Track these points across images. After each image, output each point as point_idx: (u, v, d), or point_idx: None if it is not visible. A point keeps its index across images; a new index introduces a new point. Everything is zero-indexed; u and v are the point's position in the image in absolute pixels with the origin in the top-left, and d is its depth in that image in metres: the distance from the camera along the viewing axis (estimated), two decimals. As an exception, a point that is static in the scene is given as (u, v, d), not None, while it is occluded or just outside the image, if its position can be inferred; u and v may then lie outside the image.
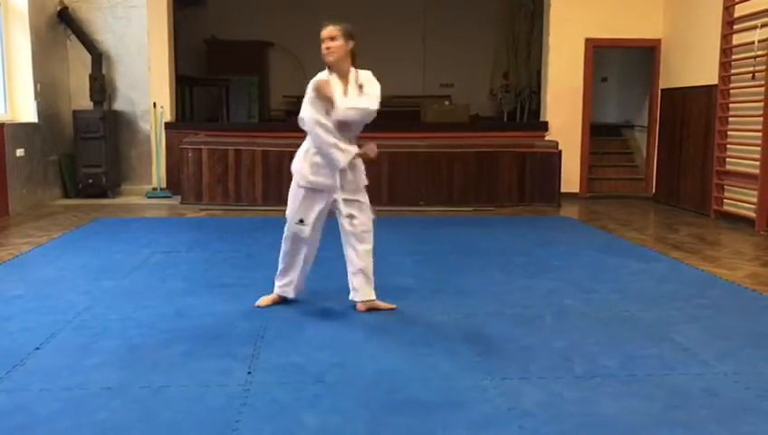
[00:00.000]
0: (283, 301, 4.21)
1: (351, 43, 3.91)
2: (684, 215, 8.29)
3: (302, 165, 4.00)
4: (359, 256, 4.02)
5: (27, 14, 8.37)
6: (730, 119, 7.85)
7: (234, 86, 12.75)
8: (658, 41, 9.53)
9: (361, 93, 3.88)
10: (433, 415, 2.76)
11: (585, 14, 9.50)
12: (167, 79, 9.65)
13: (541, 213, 8.39)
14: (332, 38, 3.88)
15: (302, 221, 3.99)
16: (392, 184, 8.69)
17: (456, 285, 4.79)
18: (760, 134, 7.08)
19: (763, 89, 7.05)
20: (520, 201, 8.88)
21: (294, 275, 4.15)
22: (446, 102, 12.14)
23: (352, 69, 3.95)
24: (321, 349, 3.50)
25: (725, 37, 7.81)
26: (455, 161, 8.76)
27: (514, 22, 12.86)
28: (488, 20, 13.23)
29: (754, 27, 7.27)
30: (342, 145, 3.89)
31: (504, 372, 3.22)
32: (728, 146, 7.87)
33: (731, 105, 7.84)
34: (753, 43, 7.26)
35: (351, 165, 3.98)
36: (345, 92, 3.88)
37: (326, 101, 3.80)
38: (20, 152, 8.07)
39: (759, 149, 7.11)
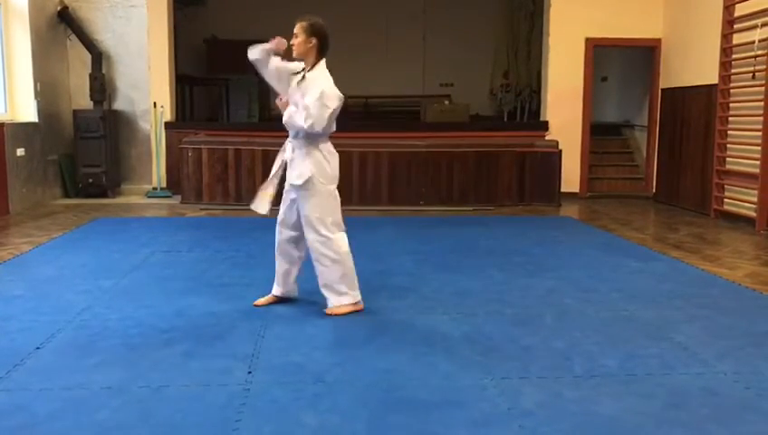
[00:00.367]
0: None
1: (314, 40, 3.91)
2: (684, 214, 8.29)
3: (326, 169, 3.97)
4: None
5: (27, 13, 8.37)
6: (730, 118, 7.85)
7: (234, 86, 12.74)
8: (658, 40, 9.53)
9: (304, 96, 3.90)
10: (433, 415, 2.76)
11: (585, 14, 9.50)
12: (167, 78, 9.65)
13: (541, 213, 8.39)
14: (295, 35, 3.94)
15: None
16: (392, 184, 8.69)
17: (455, 284, 4.79)
18: (760, 134, 7.07)
19: (763, 88, 7.05)
20: (520, 201, 8.88)
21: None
22: (447, 102, 12.13)
23: (318, 64, 3.93)
24: (321, 349, 3.50)
25: (726, 37, 7.81)
26: (455, 161, 8.76)
27: (514, 21, 12.85)
28: (488, 19, 13.23)
29: (755, 27, 7.27)
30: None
31: (504, 371, 3.22)
32: (728, 145, 7.87)
33: (731, 105, 7.83)
34: (753, 42, 7.25)
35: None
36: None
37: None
38: (20, 152, 8.08)
39: (759, 148, 7.11)
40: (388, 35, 13.02)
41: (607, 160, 10.58)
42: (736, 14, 7.67)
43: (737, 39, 7.68)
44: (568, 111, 9.65)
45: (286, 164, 4.08)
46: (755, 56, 7.22)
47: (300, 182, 3.95)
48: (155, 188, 9.54)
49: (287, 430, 2.64)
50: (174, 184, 9.36)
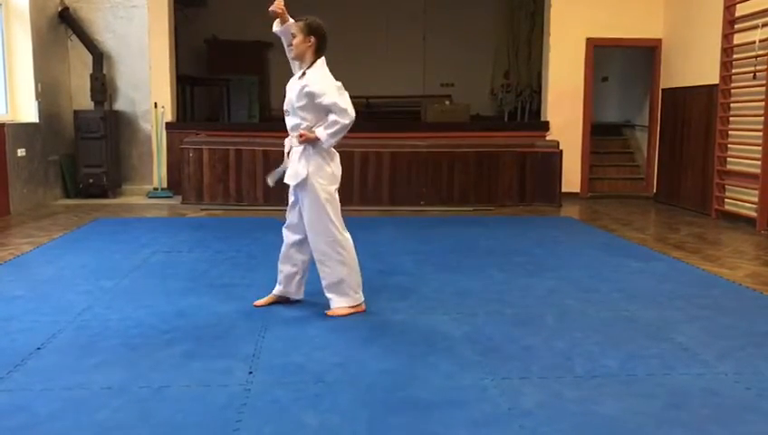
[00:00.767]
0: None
1: (312, 39, 3.90)
2: (684, 214, 8.28)
3: (325, 169, 3.93)
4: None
5: (28, 14, 8.37)
6: (731, 118, 7.85)
7: (234, 86, 12.74)
8: (659, 40, 9.53)
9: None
10: (433, 415, 2.76)
11: (586, 14, 9.50)
12: (167, 79, 9.66)
13: (541, 213, 8.39)
14: (293, 35, 3.92)
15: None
16: (393, 184, 8.70)
17: (456, 284, 4.79)
18: (761, 134, 7.07)
19: (763, 88, 7.05)
20: (520, 201, 8.88)
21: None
22: (447, 102, 12.13)
23: (317, 62, 3.93)
24: (322, 349, 3.50)
25: (726, 37, 7.81)
26: (455, 161, 8.76)
27: (515, 21, 12.85)
28: (489, 19, 13.23)
29: (755, 27, 7.26)
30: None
31: (505, 371, 3.22)
32: (729, 145, 7.86)
33: (732, 105, 7.83)
34: (754, 42, 7.25)
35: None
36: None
37: None
38: (21, 152, 8.08)
39: (760, 148, 7.10)
40: (388, 35, 13.01)
41: (607, 160, 10.58)
42: (737, 14, 7.67)
43: (738, 39, 7.68)
44: (568, 111, 9.65)
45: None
46: (756, 56, 7.22)
47: (294, 182, 3.93)
48: (156, 189, 9.54)
49: (288, 430, 2.64)
50: (175, 184, 9.37)
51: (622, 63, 11.27)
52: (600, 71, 10.79)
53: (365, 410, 2.79)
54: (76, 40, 9.38)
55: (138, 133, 9.71)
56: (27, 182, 8.26)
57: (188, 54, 12.11)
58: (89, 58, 9.32)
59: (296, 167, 3.93)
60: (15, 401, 2.86)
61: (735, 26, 7.73)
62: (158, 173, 9.54)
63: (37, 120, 8.55)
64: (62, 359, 3.33)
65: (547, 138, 9.51)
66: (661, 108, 9.56)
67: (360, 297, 4.09)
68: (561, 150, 9.00)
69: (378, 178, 8.69)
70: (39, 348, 3.46)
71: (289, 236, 4.13)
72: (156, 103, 9.54)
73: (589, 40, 9.58)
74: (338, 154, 4.05)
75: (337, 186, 4.01)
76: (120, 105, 9.64)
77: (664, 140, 9.49)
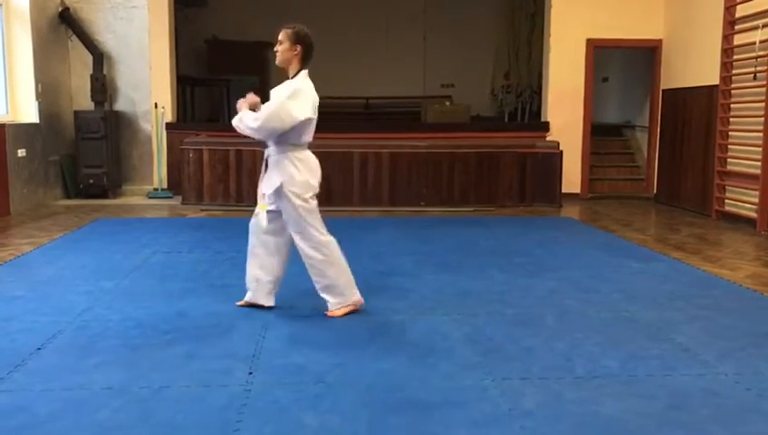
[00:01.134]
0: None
1: (299, 48, 3.88)
2: (685, 215, 8.28)
3: (296, 178, 3.91)
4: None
5: (29, 14, 8.38)
6: (731, 119, 7.85)
7: (234, 86, 12.71)
8: (659, 41, 9.53)
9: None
10: (434, 415, 2.76)
11: (586, 15, 9.50)
12: (168, 79, 9.66)
13: (541, 213, 8.39)
14: (280, 42, 3.92)
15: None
16: (393, 184, 8.69)
17: (456, 284, 4.79)
18: (761, 134, 7.07)
19: (764, 89, 7.05)
20: (521, 201, 8.88)
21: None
22: (447, 103, 12.12)
23: (300, 74, 3.91)
24: (322, 349, 3.50)
25: (727, 37, 7.81)
26: (455, 162, 8.76)
27: (515, 22, 12.85)
28: (489, 20, 13.23)
29: (756, 27, 7.26)
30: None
31: (505, 372, 3.22)
32: (729, 146, 7.86)
33: (732, 105, 7.83)
34: (754, 43, 7.25)
35: None
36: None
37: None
38: (21, 152, 8.08)
39: (760, 149, 7.10)
40: (388, 36, 13.00)
41: (608, 161, 10.58)
42: (737, 14, 7.67)
43: (738, 40, 7.68)
44: (569, 112, 9.65)
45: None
46: (756, 57, 7.21)
47: (269, 191, 3.94)
48: (156, 189, 9.54)
49: (288, 430, 2.63)
50: (175, 185, 9.37)
51: (622, 64, 11.28)
52: (601, 71, 10.79)
53: (365, 411, 2.79)
54: (76, 40, 9.39)
55: (138, 134, 9.72)
56: (27, 182, 8.26)
57: (188, 55, 12.11)
58: (89, 58, 9.32)
59: (271, 175, 3.96)
60: (16, 402, 2.86)
61: (736, 27, 7.73)
62: (159, 173, 9.54)
63: (37, 121, 8.56)
64: (62, 359, 3.33)
65: (547, 138, 9.51)
66: (661, 108, 9.56)
67: (355, 294, 4.08)
68: (562, 151, 9.00)
69: (378, 179, 8.68)
70: (39, 348, 3.46)
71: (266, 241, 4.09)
72: (156, 104, 9.54)
73: (589, 41, 9.58)
74: (314, 160, 4.01)
75: (312, 193, 3.96)
76: (120, 105, 9.64)
77: (664, 141, 9.49)
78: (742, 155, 7.57)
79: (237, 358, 3.35)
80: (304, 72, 3.93)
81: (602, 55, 10.29)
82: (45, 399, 2.88)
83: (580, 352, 3.49)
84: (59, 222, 7.33)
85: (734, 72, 7.77)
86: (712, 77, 8.09)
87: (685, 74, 8.90)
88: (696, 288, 4.78)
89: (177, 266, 5.28)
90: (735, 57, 7.73)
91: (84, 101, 9.39)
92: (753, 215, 7.23)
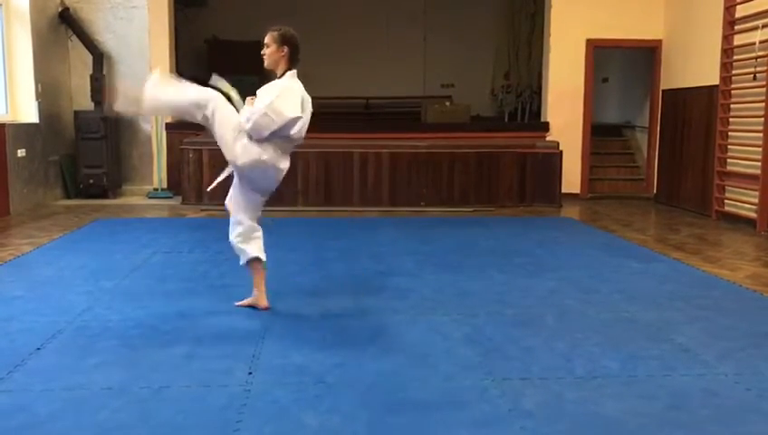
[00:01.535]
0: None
1: (285, 49, 3.90)
2: (685, 215, 8.28)
3: (266, 157, 3.92)
4: None
5: (28, 14, 8.38)
6: (731, 119, 7.85)
7: (234, 86, 12.71)
8: (659, 41, 9.53)
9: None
10: (434, 416, 2.76)
11: (586, 15, 9.50)
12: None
13: (541, 213, 8.39)
14: (266, 44, 3.94)
15: None
16: (393, 184, 8.69)
17: (456, 284, 4.78)
18: (761, 135, 7.07)
19: (764, 89, 7.05)
20: (521, 201, 8.88)
21: None
22: (447, 103, 12.13)
23: (287, 73, 3.92)
24: (322, 349, 3.50)
25: (726, 38, 7.81)
26: (455, 162, 8.76)
27: (515, 22, 12.86)
28: (489, 20, 13.24)
29: (756, 28, 7.27)
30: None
31: (505, 372, 3.22)
32: (729, 146, 7.86)
33: (732, 106, 7.83)
34: (754, 43, 7.25)
35: None
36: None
37: None
38: (21, 153, 8.08)
39: (760, 149, 7.10)
40: (388, 36, 13.01)
41: (608, 161, 10.59)
42: (737, 15, 7.67)
43: (738, 40, 7.68)
44: (569, 112, 9.65)
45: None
46: (756, 57, 7.22)
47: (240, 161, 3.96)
48: (156, 189, 9.54)
49: (288, 430, 2.63)
50: (175, 185, 9.36)
51: (622, 64, 11.28)
52: (601, 71, 10.79)
53: (365, 411, 2.79)
54: (76, 40, 9.38)
55: (138, 134, 9.71)
56: (27, 182, 8.26)
57: (188, 55, 12.10)
58: (89, 58, 9.32)
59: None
60: (15, 402, 2.86)
61: (736, 27, 7.73)
62: (158, 174, 9.54)
63: (37, 121, 8.55)
64: (62, 359, 3.33)
65: (547, 138, 9.51)
66: (661, 109, 9.56)
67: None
68: (562, 151, 9.00)
69: (378, 179, 8.68)
70: (39, 348, 3.46)
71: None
72: (156, 104, 9.53)
73: (589, 41, 9.58)
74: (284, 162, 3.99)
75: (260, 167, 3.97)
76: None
77: (664, 141, 9.49)
78: (742, 155, 7.57)
79: (237, 358, 3.35)
80: (292, 72, 3.94)
81: (602, 55, 10.30)
82: (45, 399, 2.88)
83: (580, 352, 3.49)
84: (59, 222, 7.33)
85: (733, 72, 7.77)
86: (712, 77, 8.09)
87: (685, 74, 8.90)
88: (696, 288, 4.78)
89: (177, 267, 5.28)
90: (735, 57, 7.73)
91: (84, 101, 9.39)
92: (753, 215, 7.24)
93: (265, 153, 3.87)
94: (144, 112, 3.95)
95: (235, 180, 4.12)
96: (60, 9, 9.21)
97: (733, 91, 7.81)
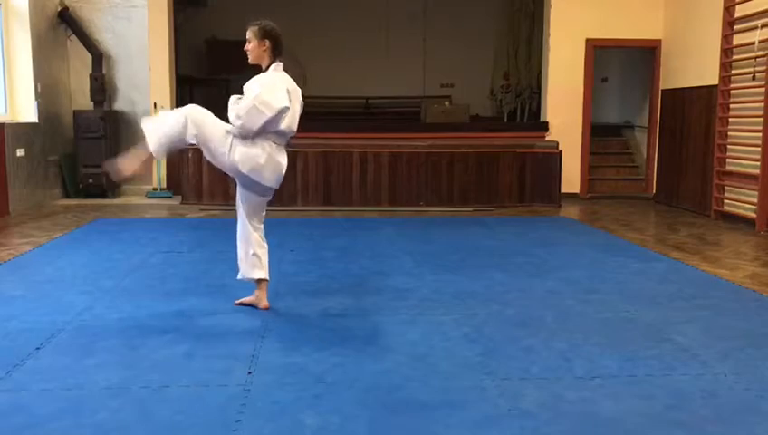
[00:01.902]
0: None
1: (267, 43, 3.93)
2: (684, 215, 8.29)
3: (263, 162, 3.93)
4: None
5: (28, 14, 8.37)
6: (730, 119, 7.85)
7: (234, 86, 12.54)
8: (659, 41, 9.53)
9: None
10: (433, 416, 2.76)
11: (585, 15, 9.51)
12: (167, 79, 9.65)
13: (541, 213, 8.39)
14: (248, 40, 3.97)
15: None
16: (393, 184, 8.70)
17: (456, 285, 4.78)
18: (760, 134, 7.08)
19: (763, 89, 7.05)
20: (520, 201, 8.89)
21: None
22: (447, 103, 12.13)
23: (272, 67, 3.93)
24: (322, 349, 3.50)
25: (726, 38, 7.81)
26: (455, 162, 8.76)
27: (515, 22, 12.86)
28: (489, 20, 13.24)
29: (755, 28, 7.27)
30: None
31: (505, 372, 3.22)
32: (728, 146, 7.87)
33: (731, 105, 7.84)
34: (753, 43, 7.26)
35: None
36: None
37: None
38: (20, 152, 8.08)
39: (759, 149, 7.11)
40: (388, 36, 13.00)
41: (607, 161, 10.59)
42: (737, 14, 7.67)
43: (737, 40, 7.68)
44: (568, 112, 9.66)
45: None
46: (755, 57, 7.22)
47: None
48: (155, 189, 9.54)
49: (287, 430, 2.63)
50: (174, 185, 9.36)
51: (622, 64, 11.28)
52: (600, 71, 10.79)
53: (365, 411, 2.79)
54: (76, 40, 9.38)
55: (137, 133, 9.58)
56: (27, 182, 8.26)
57: (188, 54, 12.11)
58: (88, 58, 9.31)
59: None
60: (15, 401, 2.86)
61: (735, 27, 7.73)
62: (158, 173, 9.54)
63: (37, 120, 8.55)
64: (61, 359, 3.33)
65: (547, 138, 9.52)
66: (661, 109, 9.57)
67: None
68: (561, 151, 9.01)
69: (378, 179, 8.69)
70: (38, 348, 3.46)
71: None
72: (155, 103, 9.53)
73: (588, 41, 9.58)
74: (281, 158, 3.98)
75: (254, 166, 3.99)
76: (119, 105, 9.64)
77: (663, 141, 9.50)
78: (741, 155, 7.57)
79: (237, 358, 3.35)
80: (276, 65, 3.95)
81: (602, 55, 10.30)
82: (44, 398, 2.88)
83: (579, 352, 3.49)
84: (58, 222, 7.33)
85: (733, 72, 7.77)
86: (711, 77, 8.09)
87: (684, 74, 8.90)
88: (696, 288, 4.78)
89: (177, 266, 5.28)
90: (735, 57, 7.73)
91: (84, 101, 9.39)
92: (753, 215, 7.24)
93: (263, 152, 3.87)
94: (158, 156, 3.95)
95: (239, 188, 4.11)
96: (59, 9, 9.21)
97: (732, 91, 7.82)
